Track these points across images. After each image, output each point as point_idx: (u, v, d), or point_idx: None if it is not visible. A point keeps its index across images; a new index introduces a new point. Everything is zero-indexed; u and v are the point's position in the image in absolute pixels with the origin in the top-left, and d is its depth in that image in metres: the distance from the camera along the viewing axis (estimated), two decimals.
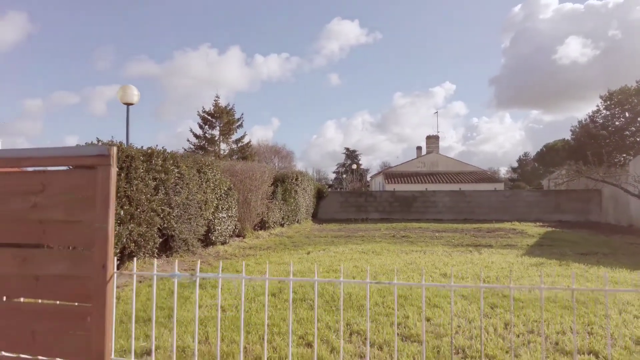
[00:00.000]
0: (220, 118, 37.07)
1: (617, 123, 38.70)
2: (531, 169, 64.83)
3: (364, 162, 75.39)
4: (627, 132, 36.97)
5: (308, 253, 10.97)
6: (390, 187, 33.12)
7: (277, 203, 17.04)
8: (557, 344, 4.26)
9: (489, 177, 36.13)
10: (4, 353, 1.76)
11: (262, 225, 15.99)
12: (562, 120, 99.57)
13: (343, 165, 69.85)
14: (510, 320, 4.87)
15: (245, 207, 14.20)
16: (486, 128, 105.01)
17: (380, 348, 4.14)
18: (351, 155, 70.30)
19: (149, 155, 9.17)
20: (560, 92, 71.01)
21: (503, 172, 69.76)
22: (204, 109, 36.46)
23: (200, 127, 36.66)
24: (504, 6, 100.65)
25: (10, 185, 1.65)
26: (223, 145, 38.62)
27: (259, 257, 10.28)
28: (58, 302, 1.62)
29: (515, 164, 69.69)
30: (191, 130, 36.13)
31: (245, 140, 38.26)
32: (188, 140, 36.23)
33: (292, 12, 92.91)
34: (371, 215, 24.66)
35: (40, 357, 1.67)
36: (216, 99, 37.12)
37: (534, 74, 74.28)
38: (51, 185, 1.54)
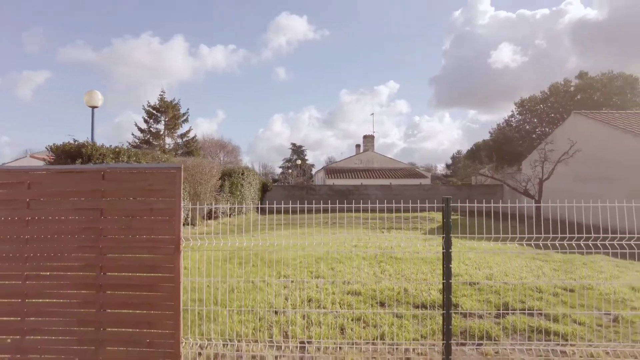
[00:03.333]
0: (166, 112, 37.78)
1: (527, 127, 44.18)
2: (462, 166, 70.86)
3: (311, 157, 78.02)
4: (534, 135, 42.46)
5: (253, 236, 13.28)
6: (330, 181, 35.95)
7: (224, 195, 19.03)
8: (408, 278, 6.97)
9: (417, 173, 40.14)
10: None
11: (211, 215, 17.95)
12: (496, 120, 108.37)
13: (289, 160, 71.84)
14: (385, 268, 7.56)
15: (196, 199, 16.14)
16: (427, 126, 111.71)
17: (299, 283, 6.61)
18: (297, 150, 72.36)
19: (117, 152, 10.98)
20: (495, 94, 77.77)
21: (440, 168, 75.27)
22: (149, 103, 37.00)
23: (145, 121, 37.14)
24: (446, 9, 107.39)
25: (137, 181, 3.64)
26: (168, 140, 39.34)
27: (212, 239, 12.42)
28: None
29: (450, 161, 75.40)
30: (136, 125, 36.57)
31: (191, 134, 39.22)
32: (132, 134, 36.61)
33: (240, 4, 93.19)
34: (311, 207, 27.27)
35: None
36: (162, 93, 37.74)
37: (471, 75, 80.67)
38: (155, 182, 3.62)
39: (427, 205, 22.60)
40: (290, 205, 5.27)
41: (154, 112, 37.30)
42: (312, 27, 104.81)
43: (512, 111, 45.48)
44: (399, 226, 16.66)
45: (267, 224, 18.27)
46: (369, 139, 42.50)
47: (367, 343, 4.27)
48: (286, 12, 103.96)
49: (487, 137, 49.77)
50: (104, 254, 3.47)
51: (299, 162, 60.83)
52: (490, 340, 4.36)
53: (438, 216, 22.01)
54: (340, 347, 4.17)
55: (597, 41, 61.93)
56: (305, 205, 5.42)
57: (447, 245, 3.52)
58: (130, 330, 3.43)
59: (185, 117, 38.68)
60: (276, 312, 5.22)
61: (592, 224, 5.41)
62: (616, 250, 4.15)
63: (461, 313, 5.11)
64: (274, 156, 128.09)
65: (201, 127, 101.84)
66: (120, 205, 3.46)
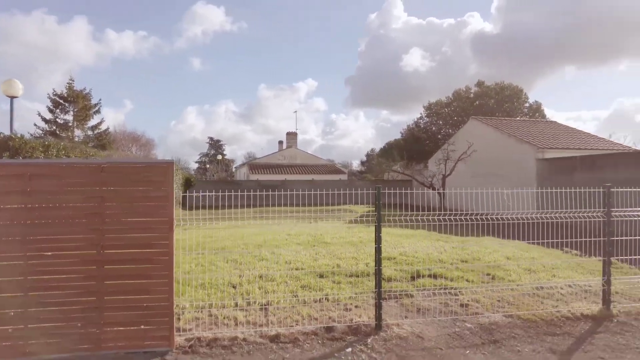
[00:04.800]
0: (75, 102, 35.30)
1: (433, 128, 48.74)
2: (376, 163, 75.29)
3: (228, 152, 76.98)
4: (439, 136, 47.04)
5: (185, 229, 13.71)
6: (254, 177, 36.53)
7: None
8: (340, 258, 8.24)
9: (336, 169, 42.38)
10: None
11: None
12: (406, 121, 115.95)
13: (206, 154, 70.24)
14: (318, 250, 8.75)
15: None
16: (343, 124, 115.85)
17: (246, 264, 7.54)
18: (215, 145, 70.97)
19: (47, 146, 10.81)
20: (405, 96, 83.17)
21: (355, 165, 79.00)
22: (55, 91, 34.28)
23: (51, 110, 34.33)
24: (362, 12, 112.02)
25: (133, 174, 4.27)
26: (78, 132, 36.79)
27: None
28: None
29: (365, 158, 79.46)
30: (39, 114, 33.65)
31: (103, 127, 37.08)
32: (35, 125, 33.66)
33: None
34: (238, 202, 27.80)
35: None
36: (70, 81, 35.16)
37: (384, 77, 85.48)
38: (152, 174, 4.30)
39: (358, 197, 24.36)
40: (263, 199, 6.15)
41: (61, 101, 34.62)
42: (229, 19, 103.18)
43: (421, 113, 49.75)
44: (324, 217, 18.15)
45: (195, 217, 18.62)
46: (292, 136, 43.75)
47: (315, 301, 5.42)
48: (202, 1, 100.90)
49: (398, 136, 53.68)
50: (104, 234, 4.15)
51: (219, 156, 60.09)
52: (407, 295, 5.77)
53: (357, 208, 23.99)
54: (294, 306, 5.26)
55: (492, 53, 69.91)
56: (278, 202, 6.33)
57: (379, 219, 4.77)
58: (131, 297, 4.16)
59: (97, 108, 36.47)
60: (234, 287, 6.13)
61: (484, 212, 7.12)
62: (509, 233, 5.78)
63: (384, 278, 6.48)
64: (188, 150, 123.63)
65: (107, 117, 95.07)
66: (121, 194, 4.16)
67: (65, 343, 4.09)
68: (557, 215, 5.70)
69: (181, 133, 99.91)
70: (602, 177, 13.67)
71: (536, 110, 42.06)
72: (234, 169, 58.51)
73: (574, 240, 5.97)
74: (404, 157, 30.67)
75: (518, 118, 37.26)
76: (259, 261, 7.91)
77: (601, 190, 5.48)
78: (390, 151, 60.56)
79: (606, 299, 5.30)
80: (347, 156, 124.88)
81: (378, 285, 4.65)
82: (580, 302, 5.55)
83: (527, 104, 42.80)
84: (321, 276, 6.78)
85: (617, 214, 5.49)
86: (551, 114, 50.41)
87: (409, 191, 12.96)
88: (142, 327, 4.17)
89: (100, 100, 37.00)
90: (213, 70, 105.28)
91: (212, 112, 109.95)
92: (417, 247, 9.35)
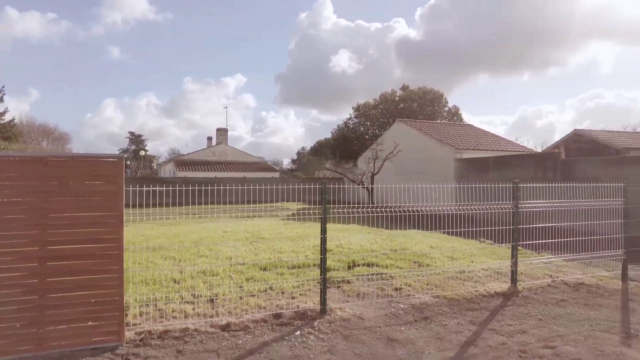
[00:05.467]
0: None
1: (362, 129, 50.64)
2: (307, 161, 76.15)
3: (150, 147, 73.01)
4: (367, 136, 49.02)
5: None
6: (181, 174, 35.29)
7: None
8: (280, 252, 8.50)
9: (268, 167, 42.41)
10: None
11: None
12: (335, 120, 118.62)
13: (126, 150, 66.18)
14: (258, 246, 8.94)
15: None
16: (273, 122, 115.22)
17: (185, 261, 7.52)
18: (136, 140, 67.01)
19: None
20: (334, 96, 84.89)
21: (286, 162, 79.24)
22: None
23: None
24: (293, 10, 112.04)
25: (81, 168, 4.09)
26: None
27: None
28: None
29: (295, 156, 79.99)
30: None
31: (7, 117, 33.52)
32: None
33: None
34: (166, 200, 26.71)
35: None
36: None
37: (313, 77, 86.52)
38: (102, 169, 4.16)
39: (291, 195, 24.59)
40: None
41: None
42: (153, 8, 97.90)
43: (350, 114, 51.44)
44: (259, 215, 18.21)
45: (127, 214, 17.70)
46: (222, 132, 42.89)
47: (262, 292, 5.66)
48: None
49: (328, 135, 54.90)
50: (47, 230, 4.03)
51: (142, 152, 56.97)
52: (346, 282, 6.23)
53: (291, 206, 24.34)
54: (241, 297, 5.46)
55: (415, 58, 74.19)
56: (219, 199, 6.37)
57: (324, 212, 5.14)
58: (78, 293, 4.09)
59: None
60: (177, 282, 6.15)
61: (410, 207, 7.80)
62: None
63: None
64: (106, 145, 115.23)
65: (9, 107, 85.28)
66: (69, 188, 4.07)
67: (2, 345, 3.92)
68: (473, 207, 6.50)
69: (98, 127, 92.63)
70: (510, 175, 15.44)
71: (455, 113, 45.52)
72: (155, 166, 55.83)
73: (487, 229, 6.84)
74: (336, 155, 31.60)
75: (439, 121, 40.08)
76: (198, 258, 7.92)
77: (510, 185, 6.37)
78: (321, 150, 61.80)
79: (514, 279, 6.21)
80: (278, 154, 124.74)
81: (323, 272, 5.02)
82: (493, 282, 6.41)
83: (446, 108, 46.15)
84: (264, 269, 7.01)
85: (522, 206, 6.42)
86: (468, 117, 54.94)
87: (341, 185, 13.55)
88: (90, 323, 4.13)
89: (3, 87, 33.33)
90: (134, 60, 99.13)
91: (132, 105, 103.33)
92: (351, 240, 9.91)
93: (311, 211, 6.51)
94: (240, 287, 5.84)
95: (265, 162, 47.90)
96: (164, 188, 6.35)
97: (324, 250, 5.07)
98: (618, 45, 69.51)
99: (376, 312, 5.14)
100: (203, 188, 7.41)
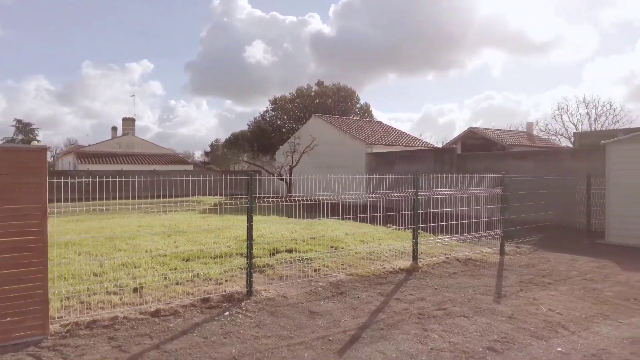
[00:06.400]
0: None
1: (279, 122, 50.97)
2: (221, 154, 74.33)
3: (42, 137, 65.71)
4: (284, 129, 49.51)
5: None
6: (84, 167, 32.58)
7: None
8: (201, 244, 8.61)
9: (181, 159, 40.90)
10: None
11: None
12: (250, 112, 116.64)
13: (12, 140, 58.80)
14: (177, 239, 8.96)
15: None
16: (183, 112, 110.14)
17: (102, 255, 7.34)
18: (24, 128, 59.86)
19: None
20: (249, 87, 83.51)
21: (198, 155, 76.46)
22: None
23: None
24: None
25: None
26: None
27: None
28: None
29: (208, 149, 77.60)
30: None
31: None
32: None
33: None
34: (66, 195, 24.54)
35: None
36: None
37: (227, 66, 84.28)
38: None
39: (207, 188, 24.01)
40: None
41: None
42: None
43: (267, 107, 51.46)
44: (173, 209, 17.74)
45: None
46: (128, 122, 40.23)
47: (188, 281, 5.86)
48: None
49: (243, 127, 54.29)
50: None
51: (35, 143, 51.10)
52: (269, 267, 6.66)
53: (207, 199, 23.96)
54: (167, 286, 5.61)
55: (329, 54, 76.21)
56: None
57: (251, 201, 5.49)
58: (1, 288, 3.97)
59: None
60: (98, 275, 6.07)
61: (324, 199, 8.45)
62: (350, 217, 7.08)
63: (245, 256, 7.24)
64: None
65: None
66: None
67: None
68: (381, 196, 7.33)
69: None
70: (414, 168, 17.02)
71: (366, 110, 47.93)
72: (50, 158, 50.62)
73: (394, 214, 7.75)
74: (255, 148, 31.58)
75: (351, 117, 41.97)
76: (115, 252, 7.76)
77: (411, 176, 7.30)
78: (237, 142, 60.94)
79: (415, 257, 7.17)
80: (189, 146, 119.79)
81: (249, 257, 5.40)
82: (398, 261, 7.32)
83: (358, 105, 48.40)
84: (187, 260, 7.15)
85: (422, 194, 7.40)
86: (377, 114, 58.23)
87: (260, 177, 13.88)
88: (11, 318, 4.04)
89: None
90: (18, 38, 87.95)
91: (17, 89, 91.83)
92: (272, 230, 10.34)
93: (235, 202, 6.80)
94: (165, 277, 5.97)
95: (177, 154, 46.00)
96: (70, 180, 6.15)
97: (250, 236, 5.44)
98: (506, 53, 78.55)
99: (298, 291, 5.66)
100: (111, 180, 7.05)
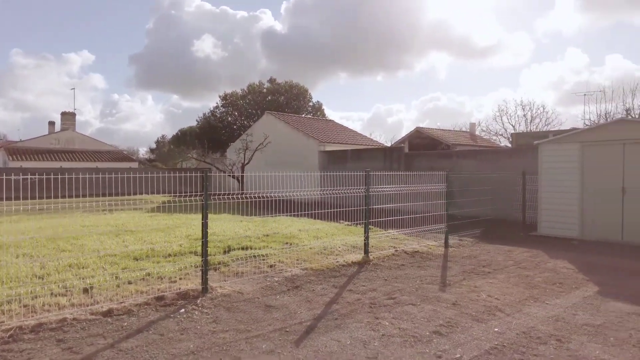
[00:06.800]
0: None
1: (229, 119, 50.10)
2: (168, 151, 71.73)
3: None
4: (235, 126, 48.76)
5: None
6: (16, 164, 30.29)
7: None
8: (152, 243, 8.39)
9: (125, 156, 39.13)
10: None
11: None
12: (198, 108, 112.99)
13: None
14: (125, 239, 8.68)
15: None
16: (127, 106, 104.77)
17: (44, 257, 6.99)
18: None
19: None
20: (197, 82, 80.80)
21: (143, 152, 73.34)
22: None
23: None
24: None
25: None
26: None
27: None
28: None
29: (154, 145, 74.67)
30: None
31: None
32: None
33: None
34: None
35: None
36: None
37: (174, 60, 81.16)
38: None
39: (154, 186, 23.13)
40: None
41: None
42: None
43: (217, 103, 50.44)
44: (119, 208, 17.01)
45: None
46: (68, 117, 37.85)
47: (140, 280, 5.74)
48: None
49: (192, 123, 52.86)
50: None
51: None
52: (224, 265, 6.67)
53: (154, 198, 23.17)
54: (119, 286, 5.47)
55: (281, 51, 75.87)
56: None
57: (206, 198, 5.49)
58: None
59: None
60: (41, 277, 5.78)
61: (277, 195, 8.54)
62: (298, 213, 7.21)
63: (198, 254, 7.18)
64: None
65: None
66: None
67: None
68: (334, 193, 7.55)
69: None
70: (365, 165, 17.50)
71: (318, 109, 48.34)
72: None
73: (346, 209, 8.01)
74: (205, 145, 30.87)
75: (304, 115, 42.17)
76: (59, 252, 7.40)
77: (362, 173, 7.59)
78: (185, 138, 59.20)
79: (366, 250, 7.47)
80: (133, 141, 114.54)
81: (205, 254, 5.39)
82: (351, 254, 7.59)
83: (311, 103, 48.69)
84: (137, 259, 6.97)
85: (373, 190, 7.71)
86: (329, 112, 59.01)
87: (211, 174, 13.71)
88: None
89: None
90: None
91: None
92: (225, 227, 10.28)
93: (184, 200, 6.73)
94: (116, 276, 5.81)
95: (120, 150, 43.95)
96: (5, 177, 5.81)
97: (205, 233, 5.44)
98: (451, 57, 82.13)
99: (254, 286, 5.74)
100: (52, 177, 6.34)
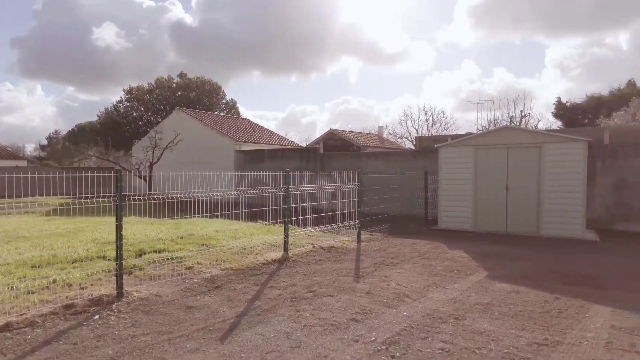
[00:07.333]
0: None
1: (135, 114, 46.87)
2: (62, 148, 64.90)
3: None
4: (140, 122, 45.76)
5: None
6: None
7: None
8: (52, 248, 7.68)
9: (11, 154, 34.65)
10: None
11: None
12: (98, 101, 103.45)
13: None
14: (18, 245, 7.84)
15: None
16: (10, 96, 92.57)
17: None
18: None
19: None
20: (96, 73, 74.06)
21: (30, 149, 65.59)
22: None
23: None
24: None
25: None
26: None
27: None
28: None
29: (45, 142, 67.23)
30: None
31: None
32: None
33: None
34: None
35: None
36: None
37: (69, 48, 73.60)
38: None
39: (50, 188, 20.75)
40: None
41: None
42: None
43: (121, 97, 46.96)
44: (6, 211, 15.07)
45: None
46: None
47: (43, 288, 5.29)
48: None
49: (90, 118, 48.66)
50: None
51: None
52: (138, 269, 6.39)
53: (49, 200, 20.87)
54: (17, 297, 4.98)
55: (192, 45, 72.89)
56: None
57: (120, 199, 5.23)
58: None
59: None
60: None
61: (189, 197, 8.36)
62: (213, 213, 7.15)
63: (109, 259, 6.79)
64: None
65: None
66: None
67: None
68: (251, 193, 7.64)
69: None
70: (281, 165, 17.74)
71: (232, 107, 47.43)
72: None
73: (264, 209, 8.14)
74: (108, 142, 28.54)
75: (217, 113, 41.11)
76: None
77: (282, 173, 7.79)
78: (84, 135, 54.17)
79: (286, 248, 7.69)
80: (17, 137, 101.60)
81: (119, 257, 5.15)
82: (271, 253, 7.74)
83: (224, 101, 47.60)
84: (37, 267, 6.38)
85: (292, 189, 7.95)
86: (243, 111, 58.00)
87: (113, 174, 12.90)
88: None
89: None
90: None
91: None
92: (134, 231, 9.76)
93: (87, 202, 6.32)
94: (11, 287, 5.27)
95: (4, 147, 38.81)
96: None
97: (120, 236, 5.19)
98: (360, 61, 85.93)
99: (172, 289, 5.62)
100: None
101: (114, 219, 11.57)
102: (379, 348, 3.84)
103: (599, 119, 28.34)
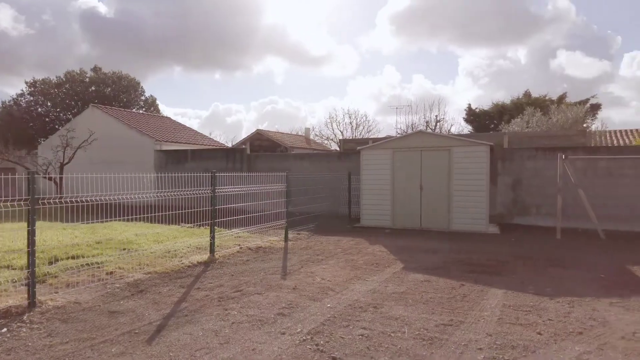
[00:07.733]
0: None
1: (40, 110, 42.63)
2: None
3: None
4: (47, 119, 41.74)
5: None
6: None
7: None
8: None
9: None
10: None
11: None
12: None
13: None
14: None
15: None
16: None
17: None
18: None
19: None
20: None
21: None
22: None
23: None
24: None
25: None
26: None
27: None
28: None
29: None
30: None
31: None
32: None
33: None
34: None
35: None
36: None
37: None
38: None
39: None
40: None
41: None
42: None
43: (23, 90, 42.50)
44: None
45: None
46: None
47: None
48: None
49: None
50: None
51: None
52: (51, 276, 6.00)
53: None
54: None
55: (106, 37, 67.85)
56: None
57: (33, 202, 4.91)
58: None
59: None
60: None
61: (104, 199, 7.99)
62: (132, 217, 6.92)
63: (16, 268, 6.29)
64: None
65: None
66: None
67: None
68: (173, 195, 7.51)
69: None
70: (206, 166, 17.39)
71: (152, 104, 45.08)
72: None
73: (186, 212, 8.04)
74: (9, 140, 25.63)
75: (135, 110, 38.86)
76: None
77: (209, 174, 7.76)
78: None
79: (212, 250, 7.67)
80: None
81: (32, 265, 4.84)
82: (196, 255, 7.67)
83: (143, 97, 45.07)
84: None
85: (219, 191, 7.94)
86: (163, 108, 55.32)
87: (18, 176, 11.82)
88: None
89: None
90: None
91: None
92: (44, 237, 9.05)
93: (3, 205, 5.83)
94: None
95: None
96: None
97: (32, 242, 4.89)
98: (286, 62, 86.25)
99: (92, 295, 5.39)
100: None
101: (18, 225, 10.69)
102: (304, 338, 4.09)
103: (502, 125, 31.60)
